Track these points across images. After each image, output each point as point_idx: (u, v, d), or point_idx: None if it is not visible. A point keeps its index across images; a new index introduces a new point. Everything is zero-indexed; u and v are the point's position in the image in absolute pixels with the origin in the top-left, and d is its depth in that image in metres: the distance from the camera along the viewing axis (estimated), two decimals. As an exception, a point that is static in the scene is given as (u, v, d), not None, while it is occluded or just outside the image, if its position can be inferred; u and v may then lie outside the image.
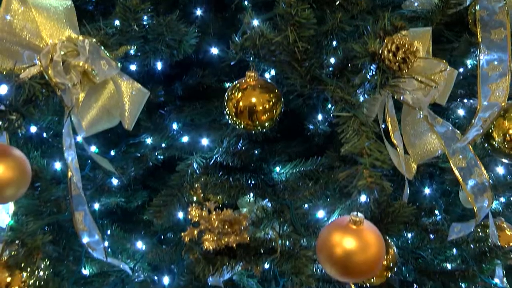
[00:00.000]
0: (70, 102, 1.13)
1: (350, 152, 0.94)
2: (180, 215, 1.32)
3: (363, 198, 1.01)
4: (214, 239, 0.99)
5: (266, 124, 1.09)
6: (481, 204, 1.35)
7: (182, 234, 1.01)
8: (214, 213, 1.01)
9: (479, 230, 1.56)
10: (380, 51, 0.98)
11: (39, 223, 1.25)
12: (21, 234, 1.19)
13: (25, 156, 1.13)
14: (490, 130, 1.36)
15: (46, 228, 1.39)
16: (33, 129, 1.38)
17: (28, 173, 1.13)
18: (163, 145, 1.40)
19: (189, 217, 1.01)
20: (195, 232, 1.00)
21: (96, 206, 1.50)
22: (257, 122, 1.08)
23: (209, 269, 1.02)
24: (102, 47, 1.07)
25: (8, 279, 1.19)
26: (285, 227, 1.13)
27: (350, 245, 0.93)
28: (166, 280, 1.35)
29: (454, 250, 1.56)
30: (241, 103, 1.09)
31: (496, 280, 1.48)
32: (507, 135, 1.34)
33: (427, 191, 1.62)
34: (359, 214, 0.95)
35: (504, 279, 1.52)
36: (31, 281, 1.23)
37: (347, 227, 0.94)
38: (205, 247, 0.99)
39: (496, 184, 1.51)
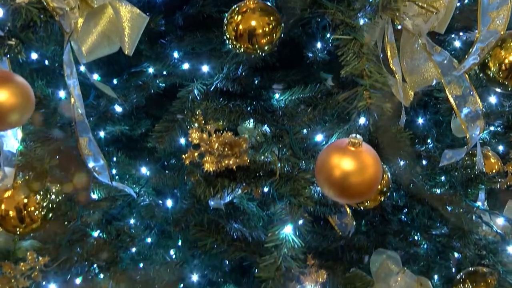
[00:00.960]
0: (69, 28, 1.04)
1: (351, 74, 0.86)
2: (182, 141, 1.26)
3: (362, 120, 0.94)
4: (214, 161, 0.93)
5: (266, 47, 1.01)
6: (473, 132, 1.30)
7: (183, 156, 0.95)
8: (214, 135, 0.95)
9: (466, 158, 1.53)
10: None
11: (46, 148, 1.19)
12: (30, 159, 1.14)
13: (27, 83, 1.07)
14: (486, 60, 1.28)
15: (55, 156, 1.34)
16: (34, 56, 1.29)
17: (31, 99, 1.07)
18: (164, 73, 1.32)
19: (190, 139, 0.95)
20: (196, 154, 0.94)
21: (102, 134, 1.44)
22: (256, 46, 1.00)
23: (210, 191, 0.97)
24: (99, -30, 0.97)
25: (25, 201, 1.17)
26: (284, 151, 1.07)
27: (348, 166, 0.87)
28: (169, 203, 1.31)
29: (443, 177, 1.52)
30: (240, 26, 1.00)
31: (479, 203, 1.46)
32: (503, 65, 1.26)
33: (420, 121, 1.56)
34: (358, 136, 0.88)
35: (485, 202, 1.50)
36: (45, 204, 1.21)
37: (346, 148, 0.88)
38: (206, 169, 0.93)
39: (489, 112, 1.44)
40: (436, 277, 1.49)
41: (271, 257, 0.97)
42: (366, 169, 0.87)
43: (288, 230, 0.98)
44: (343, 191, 0.87)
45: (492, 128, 1.57)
